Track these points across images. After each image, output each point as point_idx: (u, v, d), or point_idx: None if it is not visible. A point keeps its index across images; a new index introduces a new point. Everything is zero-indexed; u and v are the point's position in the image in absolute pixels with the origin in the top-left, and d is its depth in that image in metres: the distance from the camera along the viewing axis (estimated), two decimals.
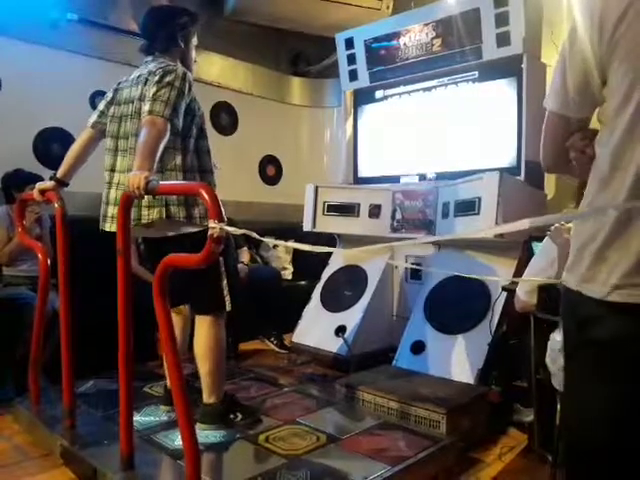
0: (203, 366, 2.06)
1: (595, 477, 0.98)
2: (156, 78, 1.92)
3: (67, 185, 2.19)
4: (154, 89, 1.89)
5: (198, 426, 1.95)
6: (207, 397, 2.08)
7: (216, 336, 2.07)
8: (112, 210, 2.03)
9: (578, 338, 0.98)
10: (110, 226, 2.03)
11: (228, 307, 2.08)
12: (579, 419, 1.00)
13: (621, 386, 0.91)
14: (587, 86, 0.93)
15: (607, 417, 0.93)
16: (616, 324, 0.90)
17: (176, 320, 2.42)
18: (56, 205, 2.13)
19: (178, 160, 1.97)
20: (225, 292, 2.07)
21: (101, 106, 2.18)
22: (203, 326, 2.07)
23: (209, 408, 2.07)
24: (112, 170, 2.07)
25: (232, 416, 2.11)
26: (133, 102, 2.02)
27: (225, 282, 2.07)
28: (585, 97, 0.96)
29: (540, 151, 1.10)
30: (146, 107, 1.87)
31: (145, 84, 1.96)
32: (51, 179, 2.16)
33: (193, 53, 2.23)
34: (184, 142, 2.01)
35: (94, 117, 2.17)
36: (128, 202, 1.72)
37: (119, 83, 2.16)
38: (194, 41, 2.22)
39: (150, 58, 2.09)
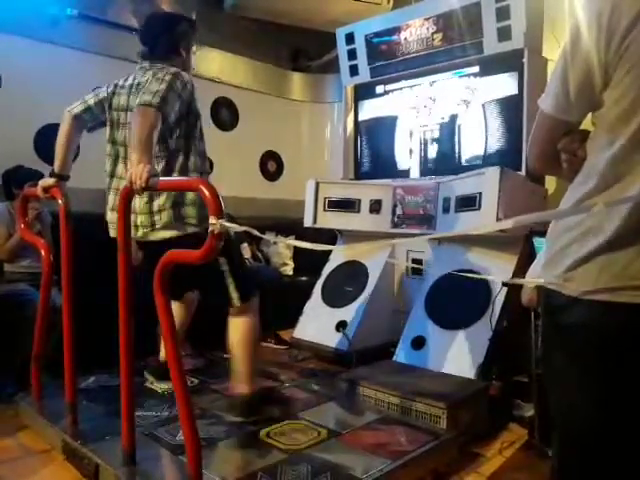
0: (236, 359, 2.09)
1: (581, 461, 0.99)
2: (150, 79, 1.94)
3: (68, 178, 2.19)
4: (145, 85, 1.92)
5: None
6: (240, 388, 2.10)
7: (246, 326, 2.07)
8: (110, 215, 2.10)
9: (553, 327, 1.01)
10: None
11: (237, 302, 2.06)
12: (558, 404, 1.03)
13: (592, 372, 0.93)
14: (588, 89, 0.90)
15: (582, 401, 0.96)
16: (590, 313, 0.91)
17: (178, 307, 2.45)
18: (60, 202, 2.13)
19: (184, 162, 2.01)
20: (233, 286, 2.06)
21: (90, 101, 2.15)
22: (236, 315, 2.08)
23: (236, 399, 2.11)
24: (111, 176, 2.11)
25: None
26: (132, 110, 2.01)
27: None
28: (585, 100, 0.93)
29: (528, 152, 1.08)
30: (137, 101, 1.87)
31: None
32: (51, 175, 2.16)
33: (192, 60, 2.24)
34: (188, 143, 2.02)
35: (78, 107, 2.14)
36: (128, 196, 1.72)
37: (116, 85, 2.15)
38: (193, 49, 2.23)
39: (147, 65, 2.08)
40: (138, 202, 1.97)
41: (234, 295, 2.05)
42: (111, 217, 2.11)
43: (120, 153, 2.10)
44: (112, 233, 2.12)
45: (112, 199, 2.10)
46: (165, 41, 2.11)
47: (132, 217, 2.00)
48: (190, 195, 2.00)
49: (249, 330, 2.09)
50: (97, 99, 2.15)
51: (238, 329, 2.09)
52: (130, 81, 2.10)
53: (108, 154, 2.12)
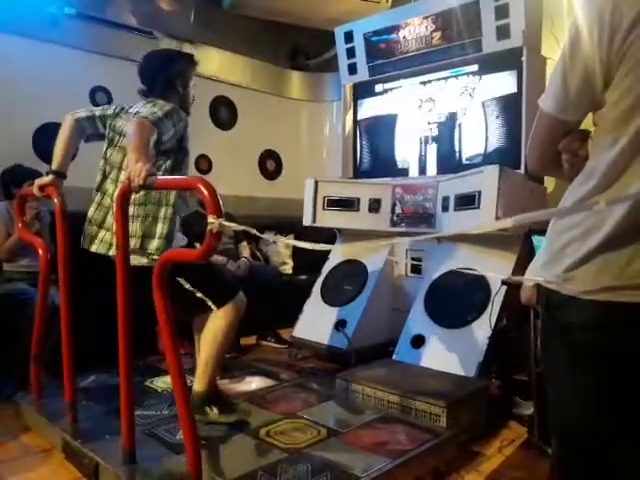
0: (204, 352, 2.07)
1: (580, 460, 0.99)
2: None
3: (65, 177, 2.19)
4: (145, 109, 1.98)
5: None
6: (195, 384, 2.07)
7: (222, 325, 2.06)
8: (89, 228, 2.11)
9: (553, 326, 1.01)
10: (90, 246, 2.10)
11: (214, 307, 2.06)
12: (557, 403, 1.03)
13: (592, 371, 0.93)
14: (589, 89, 0.90)
15: (582, 400, 0.96)
16: (590, 313, 0.91)
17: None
18: (55, 201, 2.13)
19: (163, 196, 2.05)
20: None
21: (96, 112, 2.21)
22: (215, 313, 2.07)
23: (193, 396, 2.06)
24: (97, 190, 2.14)
25: (207, 408, 2.06)
26: (125, 136, 2.05)
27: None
28: (585, 100, 0.92)
29: (528, 153, 1.08)
30: (133, 117, 1.92)
31: None
32: (48, 174, 2.16)
33: (192, 93, 2.29)
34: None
35: (83, 114, 2.18)
36: (126, 195, 1.71)
37: (122, 109, 2.20)
38: (192, 83, 2.28)
39: (151, 99, 2.12)
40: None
41: (210, 303, 2.06)
42: (86, 227, 2.12)
43: (110, 173, 2.12)
44: (92, 247, 2.10)
45: (92, 212, 2.11)
46: (161, 80, 2.17)
47: (109, 235, 2.05)
48: (160, 227, 2.02)
49: (226, 324, 2.05)
50: (102, 113, 2.20)
51: (216, 318, 2.07)
52: (132, 110, 2.14)
53: (100, 169, 2.16)
